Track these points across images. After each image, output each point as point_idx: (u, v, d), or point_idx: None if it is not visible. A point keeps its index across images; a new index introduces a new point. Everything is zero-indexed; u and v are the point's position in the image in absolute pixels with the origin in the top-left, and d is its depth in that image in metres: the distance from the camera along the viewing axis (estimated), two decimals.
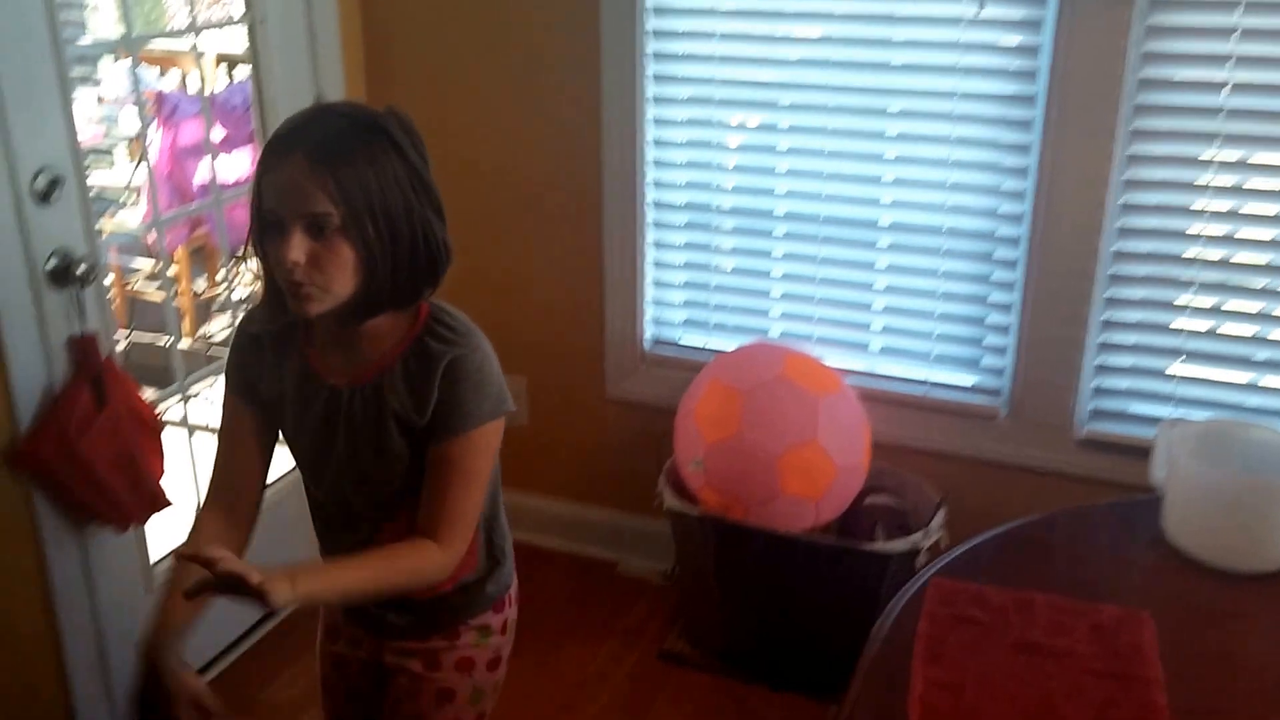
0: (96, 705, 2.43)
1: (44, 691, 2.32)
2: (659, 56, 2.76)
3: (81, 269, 2.19)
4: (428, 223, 1.45)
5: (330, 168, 1.37)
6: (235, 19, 2.79)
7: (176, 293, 4.51)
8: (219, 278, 4.79)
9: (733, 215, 2.83)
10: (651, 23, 2.73)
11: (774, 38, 2.66)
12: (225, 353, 1.66)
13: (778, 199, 2.77)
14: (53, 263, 2.17)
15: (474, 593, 1.68)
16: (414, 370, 1.51)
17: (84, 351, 2.21)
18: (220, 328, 4.75)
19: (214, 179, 2.80)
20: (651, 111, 2.80)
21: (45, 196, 2.14)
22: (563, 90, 2.86)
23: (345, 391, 1.54)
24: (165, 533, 2.48)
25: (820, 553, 2.54)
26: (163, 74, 4.87)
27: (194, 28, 2.69)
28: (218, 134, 4.03)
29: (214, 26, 3.79)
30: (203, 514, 1.60)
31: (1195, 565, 1.78)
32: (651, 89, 2.79)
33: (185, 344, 4.22)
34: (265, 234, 1.43)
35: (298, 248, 1.38)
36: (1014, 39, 2.48)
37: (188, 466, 2.65)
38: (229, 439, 1.62)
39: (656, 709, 2.66)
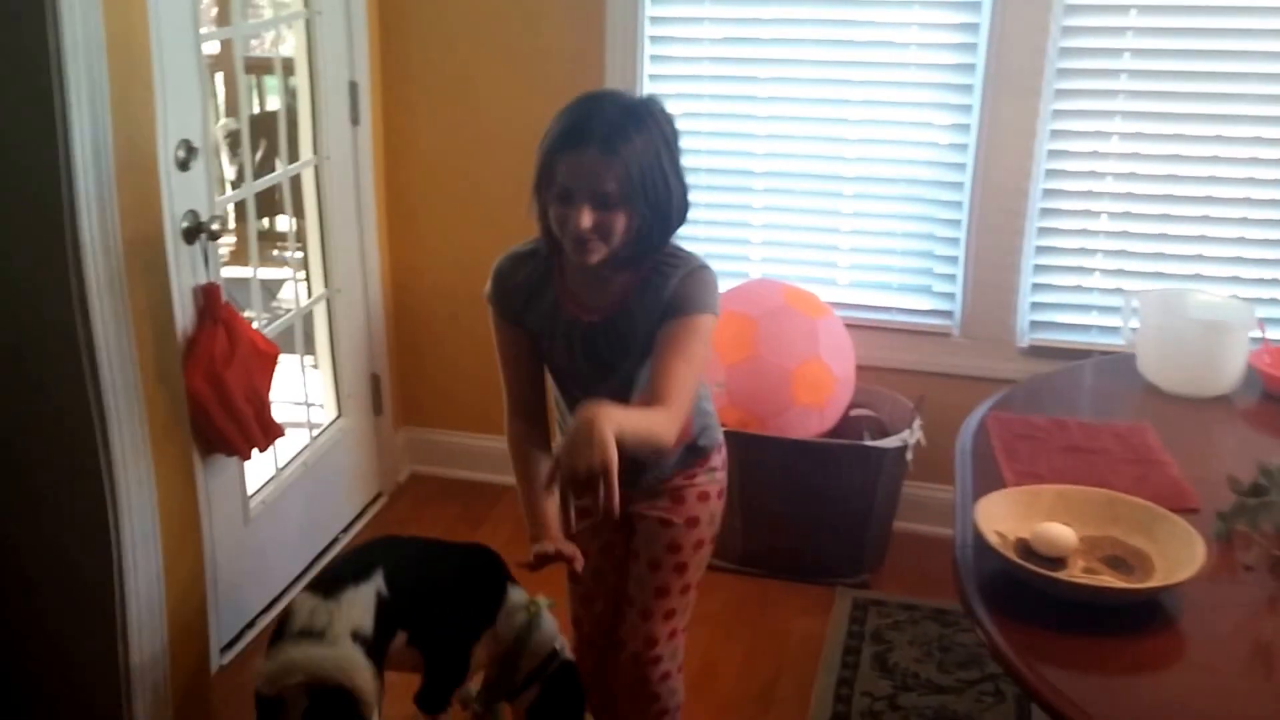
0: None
1: (194, 589, 2.55)
2: (656, 40, 3.23)
3: (215, 226, 2.51)
4: (680, 189, 1.86)
5: (616, 156, 1.76)
6: None
7: None
8: None
9: (719, 175, 3.31)
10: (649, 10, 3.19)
11: (755, 37, 3.18)
12: None
13: (757, 158, 3.27)
14: (185, 222, 2.48)
15: (696, 448, 2.08)
16: (650, 296, 1.88)
17: (209, 297, 2.50)
18: None
19: None
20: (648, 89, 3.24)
21: (184, 165, 2.45)
22: (566, 56, 3.22)
23: (593, 325, 1.92)
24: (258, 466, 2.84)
25: (833, 453, 3.02)
26: None
27: None
28: None
29: None
30: (515, 425, 2.00)
31: (1165, 394, 2.36)
32: (648, 69, 3.23)
33: None
34: (556, 199, 1.81)
35: (587, 216, 1.78)
36: (957, 18, 3.06)
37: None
38: (512, 361, 2.01)
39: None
